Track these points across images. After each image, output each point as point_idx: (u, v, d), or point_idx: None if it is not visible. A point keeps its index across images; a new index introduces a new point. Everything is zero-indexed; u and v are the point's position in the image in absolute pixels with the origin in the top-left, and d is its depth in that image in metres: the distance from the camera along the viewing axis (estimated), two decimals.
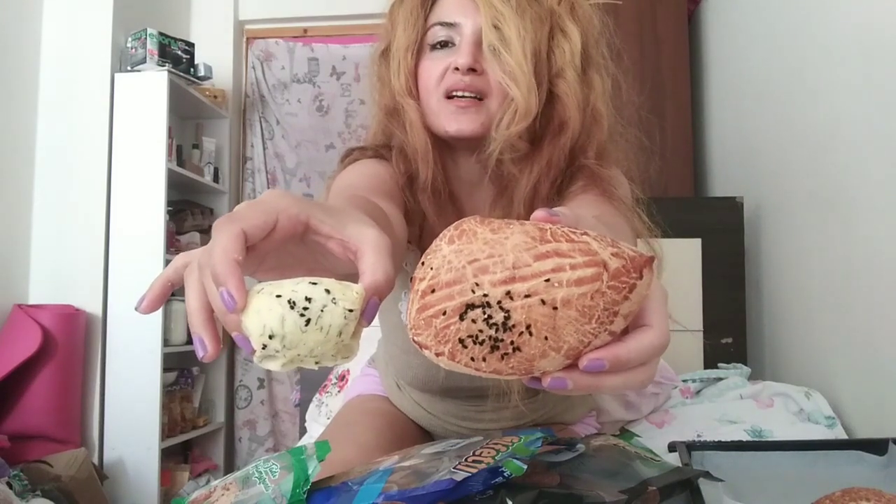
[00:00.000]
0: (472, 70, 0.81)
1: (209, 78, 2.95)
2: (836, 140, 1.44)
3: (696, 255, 1.85)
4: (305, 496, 0.60)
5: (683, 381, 1.54)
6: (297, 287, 0.41)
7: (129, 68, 2.72)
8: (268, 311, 0.40)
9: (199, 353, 0.42)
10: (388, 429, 1.00)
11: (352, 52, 3.41)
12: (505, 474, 0.57)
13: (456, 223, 0.41)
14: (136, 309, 0.47)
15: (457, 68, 0.81)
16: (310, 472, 0.61)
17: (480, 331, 0.38)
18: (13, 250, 2.56)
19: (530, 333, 0.37)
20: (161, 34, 2.72)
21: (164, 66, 2.70)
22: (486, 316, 0.38)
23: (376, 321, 1.05)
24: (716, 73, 2.40)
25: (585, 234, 0.39)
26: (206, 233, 3.04)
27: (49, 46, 2.69)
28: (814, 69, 1.56)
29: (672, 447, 0.86)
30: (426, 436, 1.08)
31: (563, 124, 0.83)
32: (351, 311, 0.41)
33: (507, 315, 0.37)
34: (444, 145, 0.88)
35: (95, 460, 2.52)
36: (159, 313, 2.58)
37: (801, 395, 1.39)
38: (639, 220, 0.81)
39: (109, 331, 2.62)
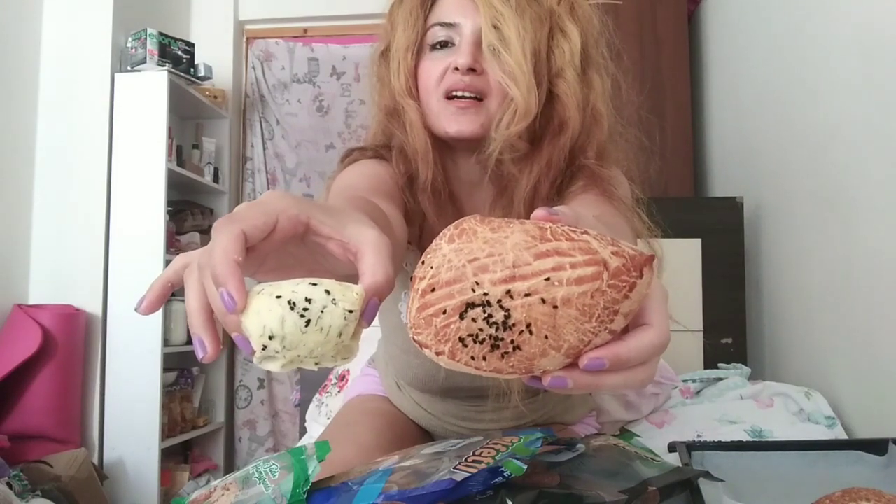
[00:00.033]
0: (471, 70, 0.81)
1: (209, 78, 2.95)
2: (836, 140, 1.44)
3: (696, 255, 1.85)
4: (305, 496, 0.60)
5: (683, 381, 1.54)
6: (297, 288, 0.41)
7: (129, 68, 2.72)
8: (268, 312, 0.40)
9: (199, 354, 0.42)
10: (388, 429, 1.00)
11: (352, 52, 3.41)
12: (505, 474, 0.57)
13: (456, 222, 0.41)
14: (135, 310, 0.47)
15: (456, 68, 0.81)
16: (310, 472, 0.61)
17: (481, 329, 0.38)
18: (13, 250, 2.56)
19: (530, 332, 0.37)
20: (161, 34, 2.72)
21: (164, 66, 2.70)
22: (486, 315, 0.38)
23: (376, 321, 1.05)
24: (716, 73, 2.40)
25: (586, 232, 0.39)
26: (206, 233, 3.04)
27: (49, 46, 2.69)
28: (814, 69, 1.56)
29: (672, 447, 0.86)
30: (426, 436, 1.08)
31: (562, 124, 0.83)
32: (351, 311, 0.41)
33: (507, 314, 0.37)
34: (443, 145, 0.88)
35: (95, 460, 2.52)
36: (159, 313, 2.58)
37: (801, 395, 1.39)
38: (639, 220, 0.81)
39: (109, 331, 2.62)
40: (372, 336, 1.17)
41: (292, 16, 3.43)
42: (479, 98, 0.82)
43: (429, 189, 0.85)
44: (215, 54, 3.20)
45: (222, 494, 0.64)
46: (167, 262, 2.49)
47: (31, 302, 2.58)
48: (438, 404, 1.02)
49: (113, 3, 2.68)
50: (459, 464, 0.60)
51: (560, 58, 0.82)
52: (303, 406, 1.85)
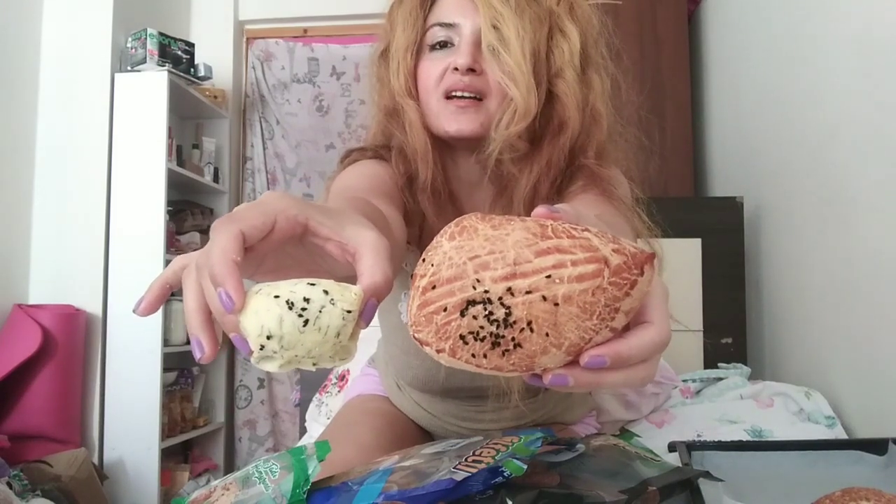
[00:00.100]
0: (471, 70, 0.81)
1: (209, 78, 2.96)
2: (836, 140, 1.44)
3: (696, 255, 1.85)
4: (305, 496, 0.60)
5: (683, 380, 1.54)
6: (296, 288, 0.41)
7: (129, 68, 2.72)
8: (266, 312, 0.40)
9: (197, 355, 0.42)
10: (388, 429, 1.00)
11: (352, 52, 3.41)
12: (505, 474, 0.57)
13: (457, 220, 0.41)
14: (134, 311, 0.47)
15: (456, 68, 0.81)
16: (310, 472, 0.61)
17: (481, 327, 0.38)
18: (13, 250, 2.56)
19: (531, 330, 0.37)
20: (161, 34, 2.72)
21: (164, 66, 2.70)
22: (486, 312, 0.38)
23: (376, 321, 1.05)
24: (716, 73, 2.40)
25: (586, 230, 0.39)
26: (206, 233, 3.04)
27: (49, 46, 2.69)
28: (814, 69, 1.56)
29: (672, 447, 0.86)
30: (426, 436, 1.08)
31: (562, 124, 0.83)
32: (349, 312, 0.41)
33: (507, 311, 0.37)
34: (443, 145, 0.88)
35: (95, 460, 2.52)
36: (159, 313, 2.58)
37: (801, 395, 1.39)
38: (639, 220, 0.81)
39: (109, 331, 2.62)
40: (372, 336, 1.17)
41: (292, 16, 3.42)
42: (478, 98, 0.82)
43: (428, 189, 0.85)
44: (215, 54, 3.20)
45: (222, 494, 0.64)
46: (167, 262, 2.49)
47: (31, 302, 2.58)
48: (438, 404, 1.02)
49: (113, 3, 2.68)
50: (459, 464, 0.60)
51: (559, 58, 0.82)
52: (303, 406, 1.85)
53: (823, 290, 1.51)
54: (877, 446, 0.82)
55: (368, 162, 0.87)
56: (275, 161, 3.42)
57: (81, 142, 2.66)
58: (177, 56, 2.78)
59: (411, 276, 0.41)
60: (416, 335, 0.39)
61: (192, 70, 2.84)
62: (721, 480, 0.68)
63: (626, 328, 0.39)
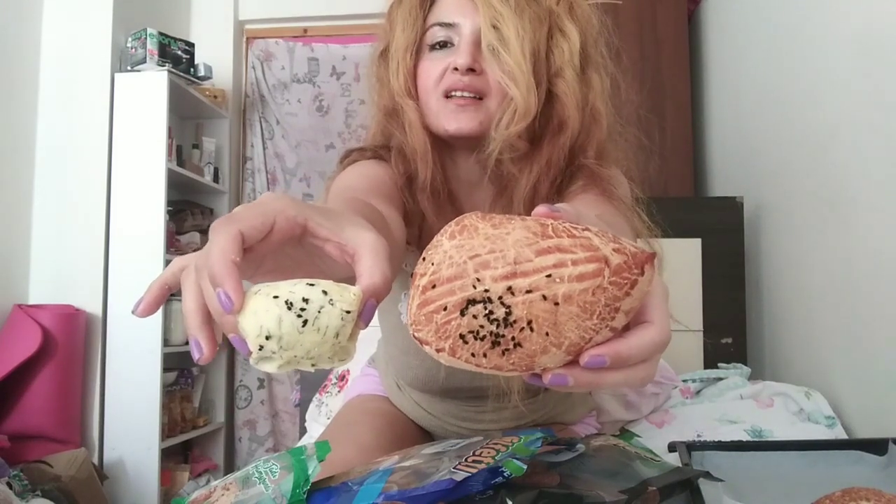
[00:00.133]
0: (471, 70, 0.81)
1: (209, 78, 2.96)
2: (836, 140, 1.44)
3: (696, 255, 1.85)
4: (305, 496, 0.60)
5: (683, 381, 1.54)
6: (295, 288, 0.41)
7: (129, 68, 2.72)
8: (265, 312, 0.40)
9: (195, 356, 0.42)
10: (388, 429, 1.00)
11: (352, 52, 3.41)
12: (505, 474, 0.57)
13: (457, 218, 0.41)
14: (132, 312, 0.47)
15: (456, 68, 0.81)
16: (310, 472, 0.61)
17: (481, 326, 0.38)
18: (13, 250, 2.56)
19: (531, 329, 0.37)
20: (161, 34, 2.72)
21: (164, 66, 2.70)
22: (487, 311, 0.37)
23: (376, 321, 1.05)
24: (716, 73, 2.40)
25: (587, 229, 0.39)
26: (206, 233, 3.04)
27: (49, 46, 2.69)
28: (814, 69, 1.56)
29: (672, 447, 0.86)
30: (426, 436, 1.08)
31: (562, 124, 0.83)
32: (348, 312, 0.41)
33: (508, 310, 0.37)
34: (443, 145, 0.88)
35: (95, 460, 2.52)
36: (159, 313, 2.57)
37: (801, 395, 1.39)
38: (638, 220, 0.81)
39: (109, 331, 2.62)
40: (372, 336, 1.17)
41: (292, 16, 3.42)
42: (478, 97, 0.82)
43: (428, 189, 0.85)
44: (215, 54, 3.20)
45: (222, 494, 0.64)
46: (167, 262, 2.49)
47: (31, 302, 2.58)
48: (438, 404, 1.02)
49: (113, 3, 2.68)
50: (459, 464, 0.60)
51: (559, 57, 0.82)
52: (303, 406, 1.85)
53: (823, 290, 1.51)
54: (877, 446, 0.82)
55: (368, 162, 0.87)
56: (275, 161, 3.42)
57: (81, 142, 2.66)
58: (177, 56, 2.78)
59: (411, 275, 0.41)
60: (415, 334, 0.39)
61: (192, 70, 2.84)
62: (721, 480, 0.68)
63: (627, 328, 0.39)
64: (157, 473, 2.58)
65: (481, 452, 0.63)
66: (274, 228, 0.42)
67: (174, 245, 2.84)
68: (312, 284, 0.41)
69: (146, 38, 2.68)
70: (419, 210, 0.86)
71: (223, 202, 3.27)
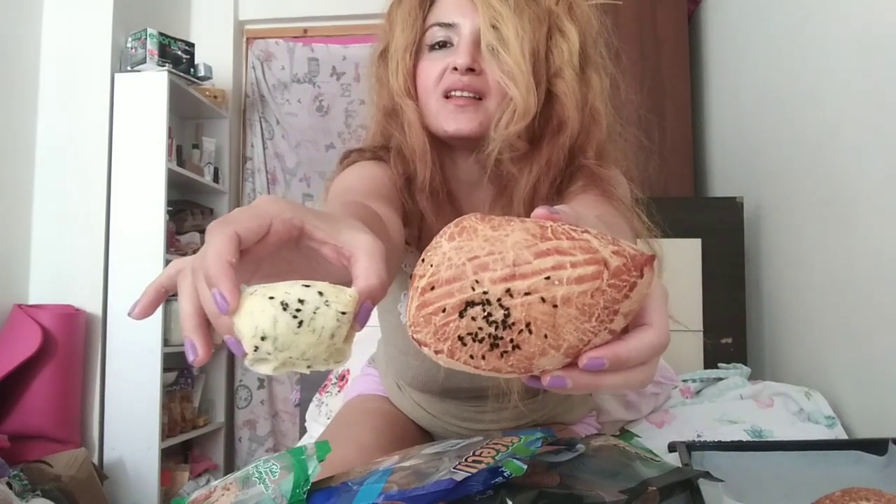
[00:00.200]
0: (470, 70, 0.81)
1: (209, 78, 2.96)
2: (836, 140, 1.44)
3: (696, 255, 1.85)
4: (305, 496, 0.60)
5: (683, 381, 1.54)
6: (290, 289, 0.41)
7: (129, 68, 2.72)
8: (260, 313, 0.40)
9: (190, 357, 0.42)
10: (388, 429, 1.00)
11: (352, 52, 3.42)
12: (505, 474, 0.57)
13: (456, 220, 0.41)
14: (128, 314, 0.47)
15: (455, 68, 0.81)
16: (310, 472, 0.61)
17: (480, 328, 0.38)
18: (13, 250, 2.56)
19: (530, 331, 0.37)
20: (161, 34, 2.72)
21: (164, 66, 2.70)
22: (485, 313, 0.37)
23: (375, 321, 1.05)
24: (716, 73, 2.40)
25: (586, 231, 0.39)
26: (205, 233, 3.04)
27: (49, 46, 2.69)
28: (814, 69, 1.56)
29: (672, 447, 0.86)
30: (426, 436, 1.08)
31: (561, 124, 0.83)
32: (344, 313, 0.41)
33: (506, 313, 0.37)
34: (442, 146, 0.88)
35: (95, 460, 2.52)
36: (159, 314, 2.58)
37: (801, 395, 1.39)
38: (638, 221, 0.81)
39: (109, 331, 2.62)
40: (372, 336, 1.17)
41: (292, 16, 3.43)
42: (478, 98, 0.82)
43: (427, 189, 0.85)
44: (215, 54, 3.20)
45: (222, 494, 0.64)
46: (167, 262, 2.49)
47: (31, 302, 2.58)
48: (438, 404, 1.02)
49: (113, 3, 2.68)
50: (459, 464, 0.60)
51: (559, 57, 0.82)
52: (303, 406, 1.85)
53: (823, 290, 1.51)
54: (877, 446, 0.82)
55: (367, 163, 0.87)
56: (275, 161, 3.42)
57: (81, 142, 2.66)
58: (177, 56, 2.78)
59: (410, 276, 0.41)
60: (414, 336, 0.39)
61: (192, 70, 2.84)
62: (721, 480, 0.68)
63: (626, 330, 0.39)
64: (157, 473, 2.58)
65: (481, 452, 0.63)
66: (270, 231, 0.42)
67: (174, 245, 2.84)
68: (308, 286, 0.41)
69: (146, 39, 2.68)
70: (418, 210, 0.86)
71: (223, 202, 3.27)
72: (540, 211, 0.42)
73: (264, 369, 0.42)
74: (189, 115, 3.18)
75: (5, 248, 2.52)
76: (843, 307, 1.42)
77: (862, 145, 1.33)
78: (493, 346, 0.38)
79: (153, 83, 2.68)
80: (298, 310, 0.40)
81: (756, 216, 1.91)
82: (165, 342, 2.65)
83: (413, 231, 0.88)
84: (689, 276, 1.83)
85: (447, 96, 0.82)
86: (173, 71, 2.73)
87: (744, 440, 1.19)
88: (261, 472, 0.64)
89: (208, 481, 2.89)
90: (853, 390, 1.38)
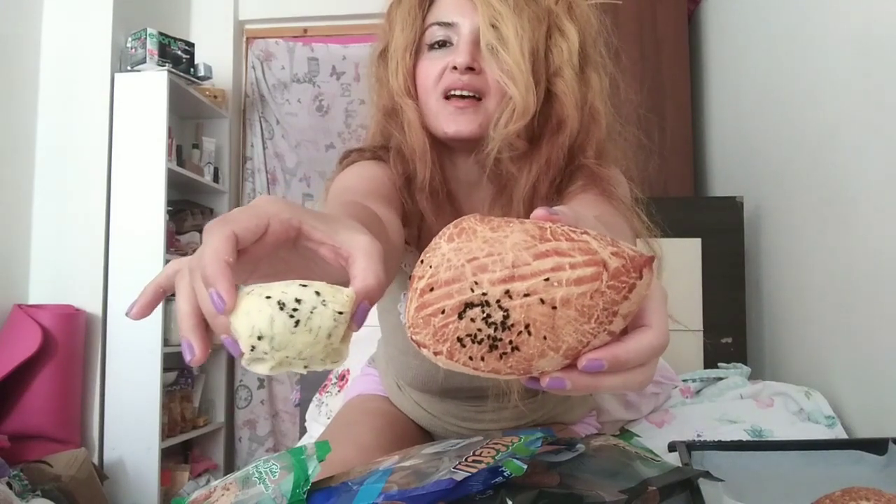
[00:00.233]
0: (470, 69, 0.81)
1: (209, 78, 2.96)
2: (836, 140, 1.44)
3: (696, 255, 1.85)
4: (305, 496, 0.60)
5: (683, 380, 1.54)
6: (287, 289, 0.41)
7: (129, 68, 2.72)
8: (257, 312, 0.40)
9: (187, 357, 0.42)
10: (388, 429, 1.00)
11: (352, 52, 3.41)
12: (505, 474, 0.57)
13: (455, 221, 0.41)
14: (126, 315, 0.47)
15: (455, 67, 0.81)
16: (310, 472, 0.61)
17: (479, 330, 0.38)
18: (13, 250, 2.56)
19: (529, 333, 0.37)
20: (161, 34, 2.72)
21: (164, 66, 2.70)
22: (484, 315, 0.37)
23: (375, 321, 1.05)
24: (716, 73, 2.40)
25: (585, 233, 0.39)
26: None
27: (49, 46, 2.69)
28: (814, 69, 1.56)
29: (672, 447, 0.86)
30: (426, 436, 1.08)
31: (561, 123, 0.83)
32: (341, 313, 0.41)
33: (505, 314, 0.37)
34: (441, 145, 0.88)
35: (95, 460, 2.52)
36: (159, 314, 2.58)
37: (801, 394, 1.39)
38: (638, 220, 0.81)
39: (109, 331, 2.62)
40: (372, 336, 1.17)
41: (292, 16, 3.42)
42: (477, 97, 0.82)
43: (426, 189, 0.85)
44: (215, 54, 3.20)
45: (222, 494, 0.64)
46: (167, 262, 2.49)
47: (31, 302, 2.58)
48: (438, 404, 1.02)
49: (113, 3, 2.68)
50: (459, 464, 0.60)
51: (558, 57, 0.82)
52: (303, 406, 1.85)
53: (823, 290, 1.51)
54: (877, 446, 0.82)
55: (367, 163, 0.87)
56: (275, 161, 3.42)
57: (81, 142, 2.66)
58: (177, 56, 2.78)
59: (410, 277, 0.41)
60: (413, 337, 0.39)
61: (192, 70, 2.84)
62: (721, 480, 0.68)
63: (625, 331, 0.39)
64: (157, 473, 2.58)
65: (481, 452, 0.63)
66: (268, 231, 0.42)
67: (174, 245, 2.84)
68: (305, 285, 0.41)
69: (146, 38, 2.68)
70: (418, 210, 0.86)
71: (223, 202, 3.27)
72: (539, 212, 0.42)
73: (261, 369, 0.41)
74: (189, 114, 3.18)
75: (5, 248, 2.52)
76: (843, 307, 1.42)
77: (862, 145, 1.33)
78: (493, 347, 0.38)
79: (153, 83, 2.68)
80: (295, 309, 0.40)
81: (756, 216, 1.91)
82: (165, 342, 2.65)
83: (413, 231, 0.88)
84: (689, 276, 1.83)
85: (447, 97, 0.82)
86: (173, 71, 2.73)
87: (744, 440, 1.19)
88: (261, 472, 0.64)
89: (208, 481, 2.89)
90: (853, 390, 1.38)
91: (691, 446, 0.85)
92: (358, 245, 0.43)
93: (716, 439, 1.07)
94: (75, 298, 2.59)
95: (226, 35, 3.36)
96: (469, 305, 0.38)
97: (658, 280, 0.41)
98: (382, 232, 0.66)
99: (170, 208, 2.84)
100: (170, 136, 2.73)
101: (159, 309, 2.58)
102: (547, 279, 0.37)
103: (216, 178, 3.18)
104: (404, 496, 0.56)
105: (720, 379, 1.56)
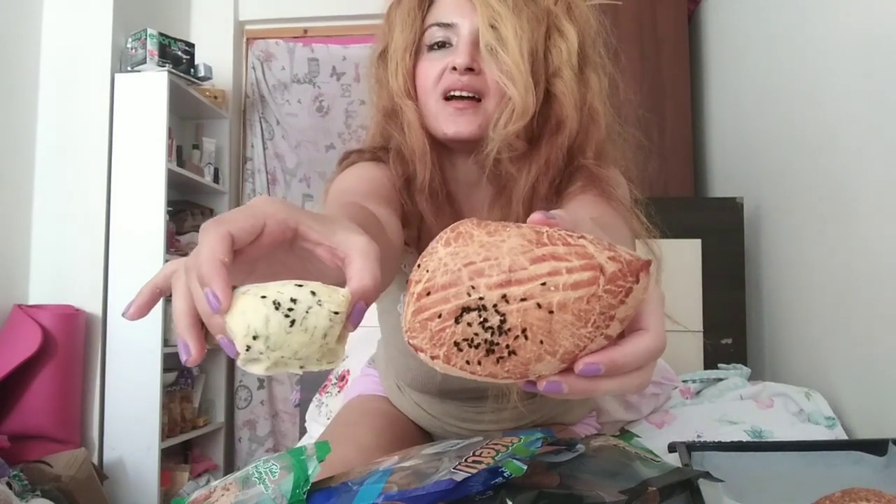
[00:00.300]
0: (469, 70, 0.81)
1: (209, 78, 2.96)
2: (836, 140, 1.44)
3: (696, 256, 1.85)
4: (305, 496, 0.60)
5: (683, 381, 1.54)
6: (283, 288, 0.41)
7: (129, 68, 2.72)
8: (253, 312, 0.40)
9: (183, 357, 0.42)
10: (388, 429, 1.00)
11: (352, 52, 3.42)
12: (505, 474, 0.57)
13: (452, 225, 0.41)
14: (123, 315, 0.47)
15: (454, 68, 0.81)
16: (310, 472, 0.61)
17: (476, 334, 0.38)
18: (13, 250, 2.56)
19: (526, 337, 0.37)
20: (161, 34, 2.72)
21: (164, 66, 2.70)
22: (481, 319, 0.37)
23: (375, 322, 1.05)
24: (716, 73, 2.40)
25: (582, 237, 0.39)
26: None
27: (49, 46, 2.69)
28: (814, 69, 1.56)
29: (672, 447, 0.86)
30: (426, 436, 1.08)
31: (560, 123, 0.83)
32: (336, 313, 0.41)
33: (502, 318, 0.37)
34: (441, 146, 0.88)
35: (95, 460, 2.52)
36: (159, 314, 2.58)
37: (801, 395, 1.39)
38: (637, 221, 0.81)
39: (109, 331, 2.62)
40: (372, 336, 1.17)
41: (292, 16, 3.42)
42: (476, 98, 0.82)
43: (426, 190, 0.85)
44: (215, 54, 3.20)
45: (222, 494, 0.64)
46: (167, 262, 2.49)
47: (31, 302, 2.58)
48: (438, 405, 1.02)
49: (113, 3, 2.68)
50: (459, 464, 0.61)
51: (557, 57, 0.82)
52: (303, 406, 1.85)
53: (823, 290, 1.51)
54: (877, 447, 0.82)
55: (366, 164, 0.87)
56: (275, 161, 3.42)
57: (81, 142, 2.66)
58: (177, 56, 2.78)
59: (407, 280, 0.41)
60: (410, 341, 0.39)
61: (192, 70, 2.84)
62: (721, 481, 0.68)
63: (622, 335, 0.39)
64: (157, 473, 2.58)
65: (481, 453, 0.63)
66: (264, 231, 0.42)
67: (174, 245, 2.84)
68: (301, 285, 0.41)
69: (146, 39, 2.68)
70: (417, 211, 0.86)
71: (223, 202, 3.27)
72: (536, 216, 0.42)
73: (257, 369, 0.41)
74: (189, 115, 3.18)
75: (5, 248, 2.52)
76: (843, 307, 1.42)
77: (862, 145, 1.33)
78: (489, 351, 0.38)
79: (153, 83, 2.68)
80: (291, 309, 0.40)
81: (756, 216, 1.91)
82: (165, 342, 2.65)
83: (412, 232, 0.88)
84: (688, 276, 1.83)
85: (446, 98, 0.82)
86: (173, 71, 2.73)
87: (744, 441, 1.19)
88: (261, 473, 0.64)
89: (208, 481, 2.89)
90: (853, 390, 1.38)
91: (691, 447, 0.85)
92: (354, 245, 0.43)
93: (716, 440, 1.07)
94: (75, 298, 2.59)
95: (226, 35, 3.36)
96: (466, 310, 0.38)
97: (658, 281, 0.41)
98: (381, 233, 0.66)
99: (170, 209, 2.84)
100: (170, 136, 2.73)
101: (159, 309, 2.59)
102: (543, 283, 0.37)
103: (216, 179, 3.18)
104: (404, 496, 0.56)
105: (720, 380, 1.56)
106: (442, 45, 0.84)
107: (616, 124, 0.90)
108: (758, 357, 1.87)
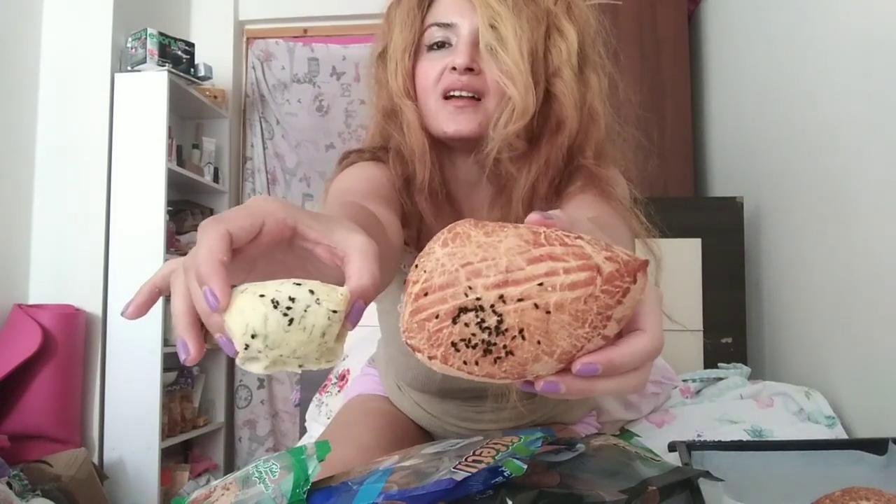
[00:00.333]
0: (469, 70, 0.81)
1: (209, 78, 2.95)
2: (836, 140, 1.44)
3: (696, 255, 1.85)
4: (305, 496, 0.60)
5: (683, 380, 1.54)
6: (282, 287, 0.41)
7: (129, 68, 2.72)
8: (251, 311, 0.40)
9: (182, 357, 0.42)
10: (388, 429, 1.00)
11: (352, 52, 3.42)
12: (505, 474, 0.57)
13: (450, 226, 0.41)
14: (121, 314, 0.47)
15: (454, 68, 0.81)
16: (310, 472, 0.61)
17: (473, 334, 0.38)
18: (13, 250, 2.56)
19: (523, 337, 0.37)
20: (161, 34, 2.72)
21: (164, 66, 2.70)
22: (478, 319, 0.37)
23: (375, 322, 1.05)
24: (716, 73, 2.40)
25: (579, 237, 0.39)
26: None
27: (49, 46, 2.69)
28: (814, 69, 1.57)
29: (672, 447, 0.86)
30: (426, 436, 1.08)
31: (560, 123, 0.83)
32: (335, 312, 0.41)
33: (499, 319, 0.37)
34: (441, 146, 0.88)
35: (95, 460, 2.52)
36: (159, 314, 2.58)
37: (801, 394, 1.39)
38: (637, 221, 0.81)
39: (109, 331, 2.62)
40: (372, 336, 1.17)
41: (292, 16, 3.42)
42: (476, 98, 0.82)
43: (426, 190, 0.85)
44: (215, 54, 3.20)
45: (222, 494, 0.64)
46: (166, 262, 2.49)
47: (31, 302, 2.58)
48: (438, 405, 1.02)
49: (113, 3, 2.68)
50: (459, 463, 0.60)
51: (557, 57, 0.82)
52: (303, 406, 1.85)
53: (823, 290, 1.51)
54: (877, 446, 0.82)
55: (366, 164, 0.87)
56: (275, 161, 3.42)
57: (81, 142, 2.66)
58: (177, 56, 2.78)
59: (405, 280, 0.41)
60: (408, 341, 0.39)
61: (192, 70, 2.84)
62: (721, 480, 0.68)
63: (619, 335, 0.39)
64: (157, 473, 2.58)
65: (481, 452, 0.63)
66: (263, 230, 0.42)
67: (174, 245, 2.84)
68: (299, 284, 0.41)
69: (146, 39, 2.68)
70: (417, 211, 0.86)
71: (223, 202, 3.27)
72: (533, 216, 0.42)
73: (255, 368, 0.41)
74: (189, 115, 3.18)
75: (5, 248, 2.52)
76: (843, 307, 1.42)
77: (862, 145, 1.33)
78: (487, 352, 0.38)
79: (153, 83, 2.68)
80: (289, 307, 0.40)
81: (756, 216, 1.91)
82: (165, 342, 2.65)
83: (412, 232, 0.88)
84: (688, 276, 1.83)
85: (446, 97, 0.82)
86: (173, 71, 2.73)
87: (744, 440, 1.19)
88: (261, 472, 0.64)
89: (208, 481, 2.89)
90: (853, 390, 1.38)
91: (691, 446, 0.85)
92: (353, 244, 0.43)
93: (716, 439, 1.07)
94: (75, 298, 2.59)
95: (226, 35, 3.36)
96: (463, 310, 0.38)
97: (658, 281, 0.41)
98: (381, 233, 0.66)
99: (170, 208, 2.84)
100: (170, 136, 2.73)
101: (159, 309, 2.59)
102: (541, 284, 0.37)
103: (216, 179, 3.18)
104: (404, 496, 0.56)
105: (720, 379, 1.56)
106: (441, 45, 0.84)
107: (616, 124, 0.90)
108: (758, 356, 1.87)
